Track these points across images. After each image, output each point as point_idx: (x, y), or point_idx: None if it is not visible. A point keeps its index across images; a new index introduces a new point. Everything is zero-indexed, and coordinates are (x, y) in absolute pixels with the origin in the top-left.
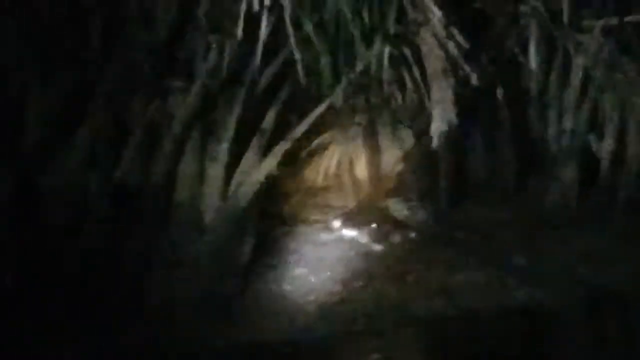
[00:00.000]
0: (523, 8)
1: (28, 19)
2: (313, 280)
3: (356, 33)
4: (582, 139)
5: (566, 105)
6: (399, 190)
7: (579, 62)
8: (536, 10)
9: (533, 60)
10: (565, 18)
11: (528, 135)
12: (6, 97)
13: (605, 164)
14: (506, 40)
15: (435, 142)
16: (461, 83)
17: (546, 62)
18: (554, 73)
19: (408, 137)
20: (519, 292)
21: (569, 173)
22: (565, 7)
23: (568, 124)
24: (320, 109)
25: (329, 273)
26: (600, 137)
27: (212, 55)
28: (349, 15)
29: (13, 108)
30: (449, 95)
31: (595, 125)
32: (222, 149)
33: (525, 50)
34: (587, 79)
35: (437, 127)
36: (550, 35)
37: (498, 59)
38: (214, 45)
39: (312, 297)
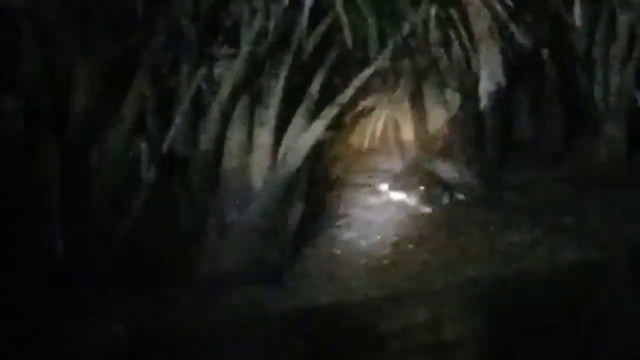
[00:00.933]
0: None
1: None
2: (363, 244)
3: None
4: (630, 96)
5: (612, 63)
6: (446, 152)
7: (624, 18)
8: None
9: (578, 18)
10: None
11: (576, 94)
12: (52, 65)
13: None
14: None
15: (483, 103)
16: (508, 43)
17: (592, 20)
18: (600, 30)
19: (454, 99)
20: (567, 251)
21: (617, 131)
22: None
23: (615, 81)
24: (367, 72)
25: (378, 236)
26: None
27: (258, 21)
28: None
29: (59, 77)
30: (496, 55)
31: None
32: (270, 115)
33: (570, 9)
34: (633, 36)
35: (485, 87)
36: None
37: (544, 18)
38: (259, 11)
39: (363, 261)
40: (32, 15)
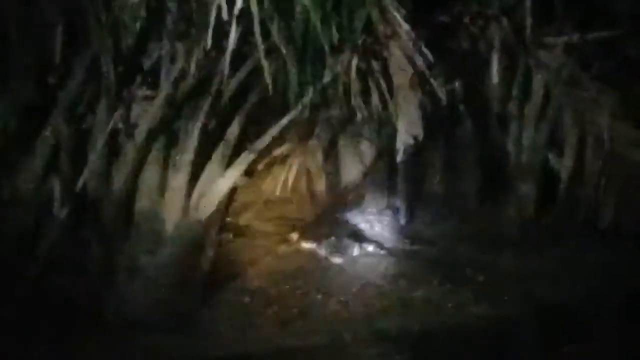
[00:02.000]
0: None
1: None
2: (273, 292)
3: (324, 43)
4: (542, 155)
5: (526, 122)
6: (358, 203)
7: (540, 78)
8: (499, 26)
9: (495, 76)
10: (527, 35)
11: (490, 151)
12: None
13: (564, 180)
14: (469, 56)
15: (400, 156)
16: (427, 97)
17: (508, 79)
18: (515, 89)
19: (369, 151)
20: (476, 306)
21: (528, 189)
22: (527, 24)
23: (528, 140)
24: (285, 120)
25: (288, 286)
26: (560, 153)
27: (178, 64)
28: (317, 25)
29: None
30: (415, 109)
31: (555, 142)
32: (185, 159)
33: (487, 66)
34: (548, 95)
35: (403, 141)
36: (513, 52)
37: (462, 74)
38: (180, 54)
39: (272, 310)
40: None
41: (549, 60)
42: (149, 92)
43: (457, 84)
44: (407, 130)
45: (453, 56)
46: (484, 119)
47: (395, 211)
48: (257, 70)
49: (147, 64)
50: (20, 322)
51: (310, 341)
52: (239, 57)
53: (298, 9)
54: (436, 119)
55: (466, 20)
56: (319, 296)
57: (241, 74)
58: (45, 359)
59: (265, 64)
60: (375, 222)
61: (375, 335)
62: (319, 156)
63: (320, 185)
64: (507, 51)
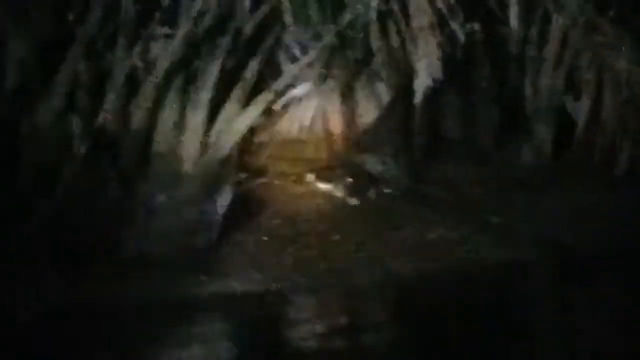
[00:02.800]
0: None
1: None
2: (290, 232)
3: None
4: (559, 98)
5: (544, 65)
6: (374, 145)
7: (558, 22)
8: None
9: (513, 18)
10: None
11: (507, 94)
12: None
13: (581, 124)
14: None
15: (418, 98)
16: (446, 39)
17: (526, 21)
18: (533, 32)
19: (385, 92)
20: (492, 249)
21: (545, 132)
22: None
23: (545, 83)
24: (305, 60)
25: (304, 226)
26: (577, 97)
27: (198, 2)
28: None
29: None
30: (435, 50)
31: (572, 86)
32: (204, 98)
33: (506, 9)
34: (565, 39)
35: (422, 82)
36: None
37: (481, 16)
38: None
39: (289, 250)
40: None
41: (567, 4)
42: (168, 30)
43: (475, 25)
44: (426, 72)
45: None
46: (502, 61)
47: (411, 152)
48: (276, 9)
49: (166, 1)
50: (36, 257)
51: (326, 282)
52: None
53: None
54: (454, 61)
55: None
56: (336, 237)
57: (261, 13)
58: (61, 293)
59: (285, 2)
60: (391, 164)
61: (390, 277)
62: (336, 97)
63: (337, 127)
64: None
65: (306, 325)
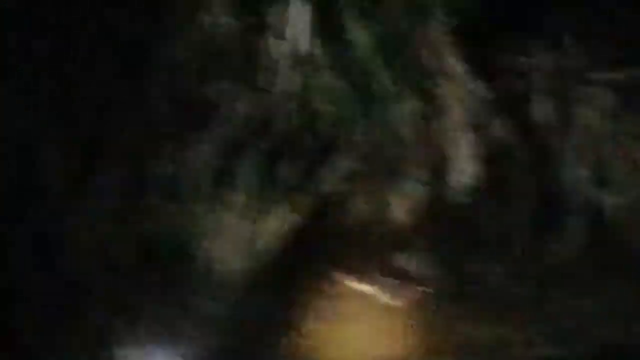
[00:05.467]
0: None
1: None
2: (327, 333)
3: (382, 84)
4: (590, 191)
5: (572, 158)
6: (408, 243)
7: (585, 114)
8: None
9: (539, 112)
10: (571, 71)
11: (539, 187)
12: (24, 145)
13: (612, 218)
14: (514, 92)
15: (454, 196)
16: (482, 136)
17: (553, 113)
18: (560, 124)
19: (418, 190)
20: (538, 348)
21: (578, 226)
22: (572, 60)
23: (575, 176)
24: (341, 159)
25: (341, 326)
26: (608, 191)
27: (236, 105)
28: (375, 67)
29: (30, 157)
30: (470, 148)
31: (603, 180)
32: (241, 199)
33: (532, 102)
34: (592, 132)
35: (458, 180)
36: (558, 88)
37: (511, 110)
38: (238, 95)
39: (328, 354)
40: None
41: (594, 96)
42: (205, 132)
43: (508, 121)
44: (461, 170)
45: (505, 92)
46: (533, 154)
47: (447, 250)
48: (313, 110)
49: (204, 103)
50: None
51: None
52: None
53: (355, 51)
54: (488, 156)
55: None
56: (375, 337)
57: (298, 116)
58: None
59: (322, 102)
60: (425, 262)
61: None
62: (367, 195)
63: (368, 225)
64: (552, 86)
65: None
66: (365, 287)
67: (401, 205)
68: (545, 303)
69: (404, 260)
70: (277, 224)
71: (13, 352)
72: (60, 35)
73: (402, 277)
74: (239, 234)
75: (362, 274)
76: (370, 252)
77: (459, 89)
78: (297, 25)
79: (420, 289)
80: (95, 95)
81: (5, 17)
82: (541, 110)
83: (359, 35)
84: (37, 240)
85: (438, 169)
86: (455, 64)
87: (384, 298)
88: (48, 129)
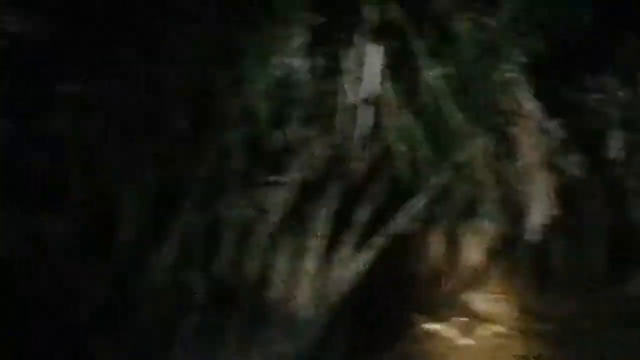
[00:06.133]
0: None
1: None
2: None
3: (456, 124)
4: None
5: None
6: (480, 282)
7: None
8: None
9: (613, 151)
10: None
11: (613, 226)
12: (98, 198)
13: None
14: (588, 129)
15: (531, 235)
16: (558, 175)
17: (628, 151)
18: (634, 163)
19: (489, 229)
20: None
21: None
22: None
23: None
24: (417, 201)
25: None
26: None
27: (308, 149)
28: (447, 106)
29: (104, 207)
30: (546, 188)
31: None
32: (316, 244)
33: (606, 139)
34: None
35: (536, 219)
36: (632, 123)
37: (585, 148)
38: (309, 138)
39: None
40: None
41: None
42: (278, 177)
43: (583, 161)
44: (538, 210)
45: (579, 129)
46: (607, 191)
47: (520, 289)
48: (385, 151)
49: (276, 148)
50: None
51: None
52: (367, 140)
53: (427, 89)
54: (562, 194)
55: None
56: None
57: (370, 156)
58: None
59: (396, 144)
60: (500, 302)
61: None
62: (441, 237)
63: (442, 266)
64: (626, 121)
65: None
66: (439, 328)
67: (475, 245)
68: (619, 342)
69: (477, 300)
70: (352, 267)
71: None
72: (140, 82)
73: (476, 316)
74: (315, 278)
75: (436, 314)
76: (444, 292)
77: (532, 127)
78: (371, 67)
79: (493, 328)
80: (172, 142)
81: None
82: (615, 146)
83: (432, 76)
84: (117, 282)
85: (512, 208)
86: (528, 103)
87: (458, 338)
88: (127, 178)
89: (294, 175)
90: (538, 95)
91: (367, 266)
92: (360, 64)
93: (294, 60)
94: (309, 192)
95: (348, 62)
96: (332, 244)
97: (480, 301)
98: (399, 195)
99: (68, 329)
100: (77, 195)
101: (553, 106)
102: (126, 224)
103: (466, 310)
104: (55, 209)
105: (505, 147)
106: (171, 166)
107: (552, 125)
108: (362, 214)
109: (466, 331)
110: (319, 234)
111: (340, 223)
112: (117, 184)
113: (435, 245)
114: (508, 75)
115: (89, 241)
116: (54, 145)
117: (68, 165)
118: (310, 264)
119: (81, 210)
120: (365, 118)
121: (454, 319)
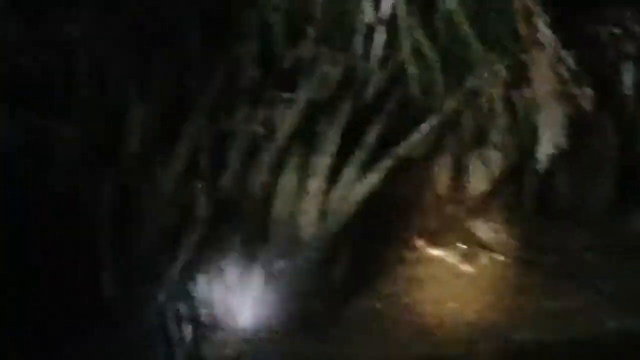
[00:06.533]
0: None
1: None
2: (406, 300)
3: (473, 50)
4: None
5: None
6: (484, 211)
7: None
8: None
9: (627, 86)
10: None
11: (621, 160)
12: (108, 107)
13: None
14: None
15: (541, 165)
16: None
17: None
18: None
19: (496, 158)
20: (614, 319)
21: None
22: None
23: None
24: (428, 125)
25: (420, 293)
26: None
27: (320, 68)
28: (463, 29)
29: (114, 118)
30: (558, 118)
31: None
32: (324, 163)
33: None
34: None
35: (545, 149)
36: None
37: (600, 81)
38: (322, 57)
39: (406, 317)
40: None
41: None
42: (289, 95)
43: (594, 92)
44: (549, 139)
45: (594, 61)
46: (618, 127)
47: (523, 219)
48: (398, 73)
49: (288, 66)
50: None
51: (447, 350)
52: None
53: (443, 13)
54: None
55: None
56: (453, 305)
57: (383, 78)
58: None
59: (410, 66)
60: (503, 231)
61: (512, 347)
62: (448, 163)
63: (447, 192)
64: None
65: None
66: (442, 253)
67: (482, 173)
68: (621, 274)
69: (481, 228)
70: (358, 188)
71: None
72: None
73: (479, 244)
74: (320, 197)
75: (439, 240)
76: (448, 218)
77: (547, 57)
78: None
79: (495, 257)
80: (183, 57)
81: None
82: (629, 80)
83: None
84: (123, 194)
85: (522, 138)
86: (544, 32)
87: (460, 265)
88: (137, 88)
89: (306, 93)
90: (554, 25)
91: (372, 188)
92: None
93: None
94: (319, 111)
95: None
96: (339, 164)
97: (484, 230)
98: (410, 118)
99: (72, 235)
100: (87, 102)
101: (569, 37)
102: (135, 134)
103: (469, 238)
104: (64, 115)
105: (518, 76)
106: (182, 77)
107: (567, 56)
108: (371, 136)
109: (468, 259)
110: (326, 153)
111: (349, 144)
112: (127, 93)
113: (442, 171)
114: (528, 3)
115: (97, 148)
116: (67, 51)
117: (79, 72)
118: (315, 183)
119: (90, 117)
120: (381, 38)
121: (456, 245)
